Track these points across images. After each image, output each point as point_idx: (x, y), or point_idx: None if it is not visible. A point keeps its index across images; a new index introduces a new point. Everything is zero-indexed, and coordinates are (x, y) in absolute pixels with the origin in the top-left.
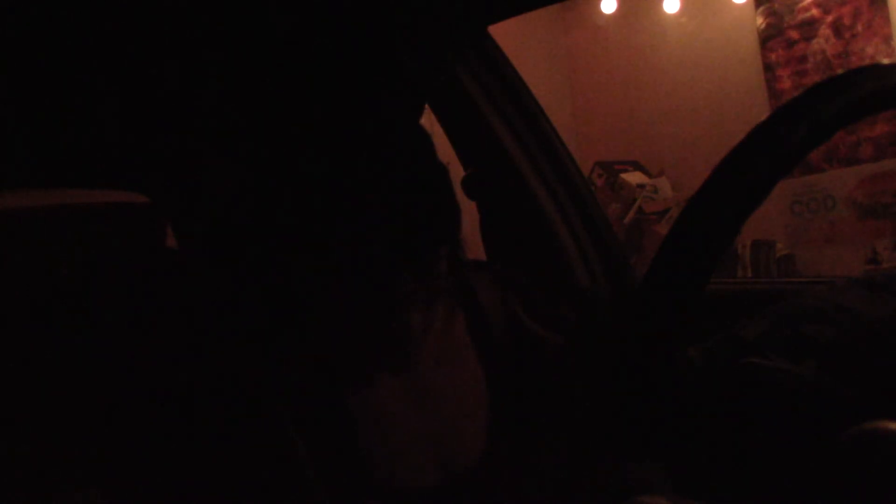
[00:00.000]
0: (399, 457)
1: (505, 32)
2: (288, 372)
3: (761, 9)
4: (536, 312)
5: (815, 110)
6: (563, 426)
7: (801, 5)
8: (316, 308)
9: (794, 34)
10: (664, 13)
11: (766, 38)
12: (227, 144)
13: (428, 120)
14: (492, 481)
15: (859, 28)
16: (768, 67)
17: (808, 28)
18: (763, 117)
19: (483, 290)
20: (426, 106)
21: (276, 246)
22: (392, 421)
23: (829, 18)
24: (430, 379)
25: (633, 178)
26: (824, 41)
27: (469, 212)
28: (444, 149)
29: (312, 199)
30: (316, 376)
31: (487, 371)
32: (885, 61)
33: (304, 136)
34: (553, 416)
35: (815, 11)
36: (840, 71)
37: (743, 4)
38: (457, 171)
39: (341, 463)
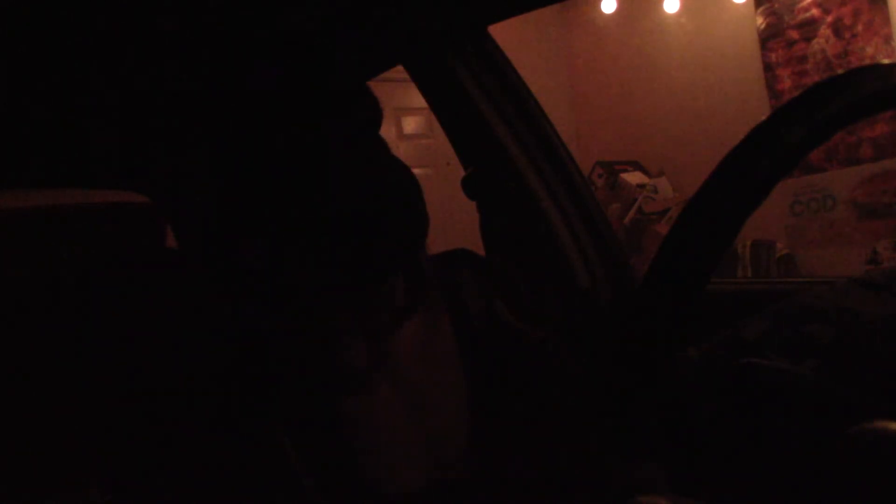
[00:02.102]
0: (392, 462)
1: (505, 32)
2: (280, 378)
3: (761, 9)
4: (519, 307)
5: (815, 110)
6: (550, 421)
7: (801, 5)
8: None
9: (794, 34)
10: (664, 13)
11: (766, 38)
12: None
13: (428, 120)
14: (484, 481)
15: (859, 28)
16: (768, 67)
17: (808, 28)
18: (763, 117)
19: (467, 287)
20: (426, 105)
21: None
22: (385, 427)
23: (829, 18)
24: (420, 382)
25: (633, 178)
26: (824, 41)
27: (469, 212)
28: (445, 149)
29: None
30: (306, 383)
31: (473, 371)
32: (885, 61)
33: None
34: (539, 412)
35: (815, 11)
36: (840, 71)
37: (743, 4)
38: (457, 172)
39: (334, 469)
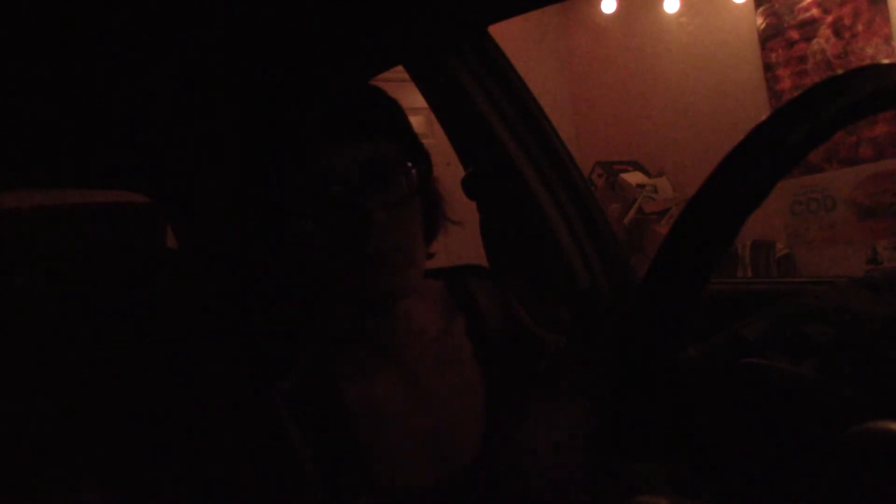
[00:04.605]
0: (398, 455)
1: (505, 32)
2: (286, 369)
3: (761, 9)
4: (534, 313)
5: (815, 110)
6: (561, 426)
7: (801, 5)
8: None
9: (794, 34)
10: (664, 13)
11: (766, 38)
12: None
13: (428, 120)
14: (490, 480)
15: (859, 28)
16: (768, 67)
17: (808, 28)
18: (763, 117)
19: (482, 294)
20: (426, 105)
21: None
22: (391, 420)
23: (829, 18)
24: (429, 379)
25: (633, 178)
26: (824, 41)
27: (469, 212)
28: (445, 149)
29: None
30: (314, 373)
31: (486, 371)
32: (885, 61)
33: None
34: (550, 416)
35: (815, 11)
36: (840, 71)
37: (743, 4)
38: (457, 172)
39: (341, 461)
